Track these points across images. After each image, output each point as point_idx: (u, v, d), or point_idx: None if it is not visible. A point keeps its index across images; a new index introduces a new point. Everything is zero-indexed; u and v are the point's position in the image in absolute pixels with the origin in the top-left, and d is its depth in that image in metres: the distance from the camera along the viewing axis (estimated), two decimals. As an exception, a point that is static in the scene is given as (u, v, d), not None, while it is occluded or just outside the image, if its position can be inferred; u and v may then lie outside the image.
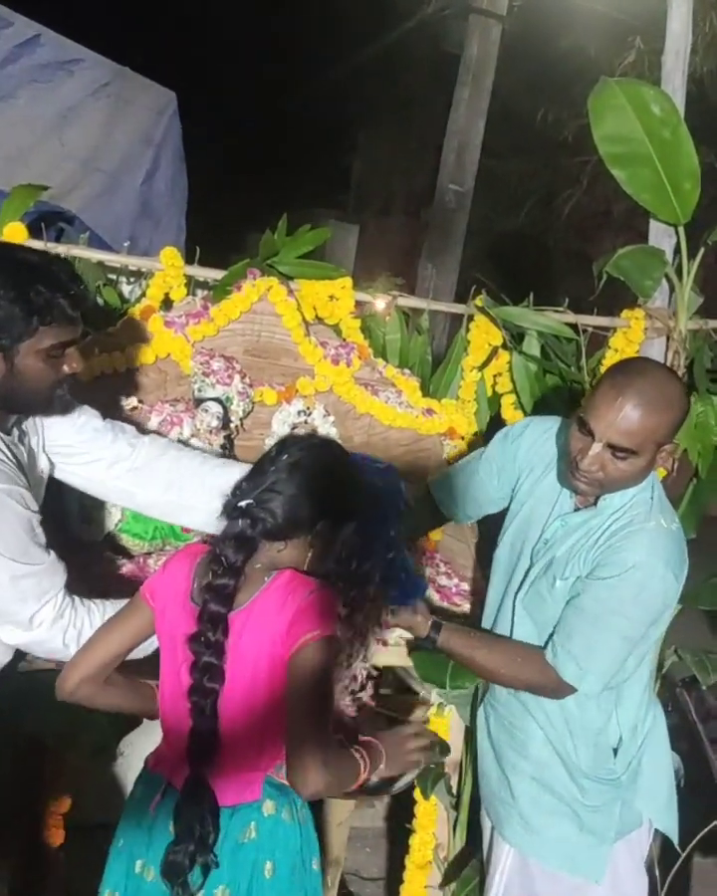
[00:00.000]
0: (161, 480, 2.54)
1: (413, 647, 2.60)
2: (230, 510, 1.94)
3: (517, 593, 2.44)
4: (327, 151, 14.17)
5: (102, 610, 2.20)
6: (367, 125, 14.55)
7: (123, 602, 2.19)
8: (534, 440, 2.54)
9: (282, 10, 11.14)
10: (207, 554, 1.96)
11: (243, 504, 1.91)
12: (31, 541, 2.12)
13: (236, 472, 2.35)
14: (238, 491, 1.95)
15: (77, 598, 2.20)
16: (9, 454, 2.15)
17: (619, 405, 2.12)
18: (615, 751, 2.40)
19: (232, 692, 1.88)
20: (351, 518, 1.99)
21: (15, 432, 2.25)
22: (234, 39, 11.31)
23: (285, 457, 1.94)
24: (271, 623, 1.86)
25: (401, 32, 10.36)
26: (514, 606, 2.45)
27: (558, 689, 2.28)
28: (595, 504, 2.33)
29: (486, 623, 2.59)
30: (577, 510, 2.38)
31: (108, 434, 2.53)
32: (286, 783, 1.89)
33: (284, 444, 2.00)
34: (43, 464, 2.41)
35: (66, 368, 2.16)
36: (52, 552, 2.17)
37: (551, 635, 2.32)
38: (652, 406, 2.12)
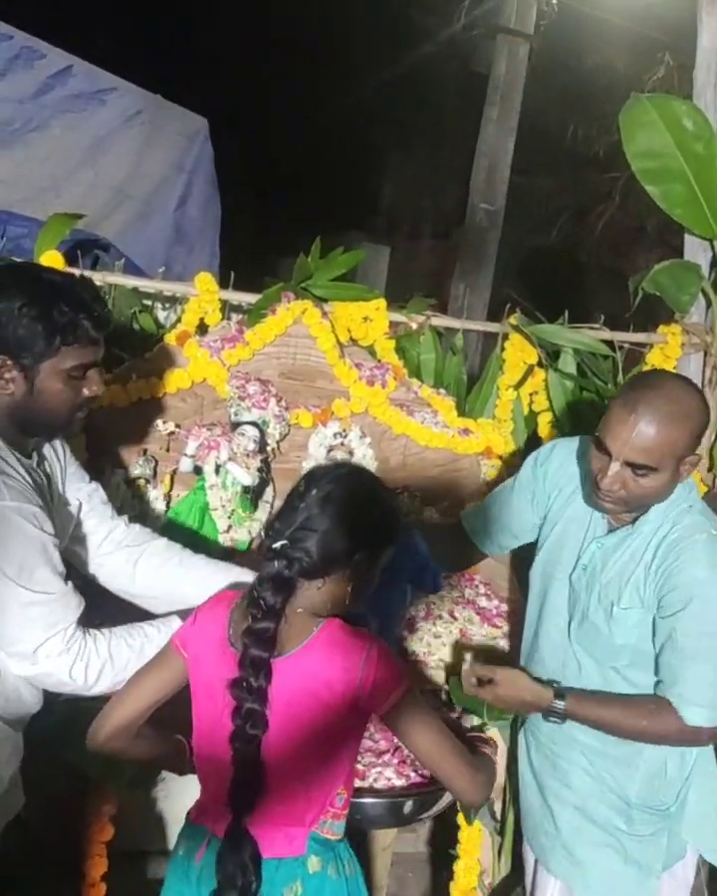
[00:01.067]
0: (161, 570, 2.43)
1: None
2: (265, 551, 1.88)
3: (570, 630, 2.38)
4: (357, 174, 14.22)
5: (107, 641, 2.11)
6: (397, 147, 14.60)
7: (136, 628, 2.16)
8: (562, 461, 2.49)
9: (310, 33, 11.22)
10: (243, 598, 1.91)
11: (277, 545, 1.84)
12: (44, 564, 2.01)
13: (235, 575, 2.39)
14: (271, 531, 1.88)
15: (89, 631, 2.09)
16: (25, 474, 2.05)
17: (633, 423, 2.07)
18: (665, 780, 2.35)
19: (276, 740, 1.82)
20: (387, 545, 1.96)
21: (34, 456, 2.17)
22: (263, 63, 11.40)
23: (314, 492, 1.87)
24: (323, 676, 1.81)
25: (429, 53, 10.40)
26: (571, 644, 2.37)
27: (695, 736, 2.21)
28: (632, 523, 2.28)
29: (524, 645, 2.56)
30: (611, 530, 2.33)
31: (109, 509, 2.46)
32: (332, 837, 1.88)
33: (312, 477, 1.92)
34: (70, 496, 2.31)
35: (86, 391, 2.08)
36: (69, 582, 2.07)
37: (657, 682, 2.25)
38: (667, 420, 2.07)
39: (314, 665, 1.82)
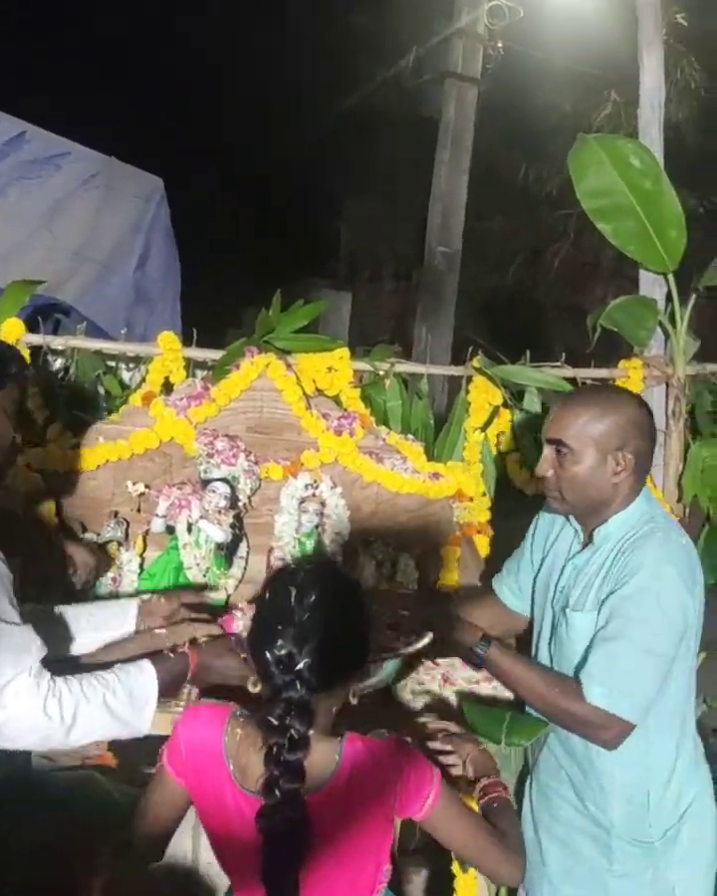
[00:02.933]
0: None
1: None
2: (270, 676, 1.74)
3: (550, 650, 2.42)
4: (314, 220, 14.34)
5: (77, 680, 2.03)
6: (352, 192, 14.75)
7: (107, 677, 2.08)
8: (551, 514, 2.57)
9: (262, 85, 11.36)
10: (241, 723, 1.81)
11: (292, 671, 1.71)
12: (4, 596, 1.97)
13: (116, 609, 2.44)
14: (274, 650, 1.72)
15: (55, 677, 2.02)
16: None
17: (561, 407, 2.35)
18: (648, 809, 2.32)
19: (313, 864, 1.75)
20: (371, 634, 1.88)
21: None
22: (216, 116, 11.53)
23: (303, 602, 1.73)
24: (356, 798, 1.76)
25: (379, 99, 10.57)
26: (551, 664, 2.41)
27: (599, 725, 2.18)
28: (591, 541, 2.35)
29: None
30: (582, 550, 2.39)
31: None
32: None
33: (293, 585, 1.76)
34: None
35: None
36: (29, 623, 2.03)
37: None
38: (588, 406, 2.29)
39: (348, 792, 1.76)
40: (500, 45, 8.25)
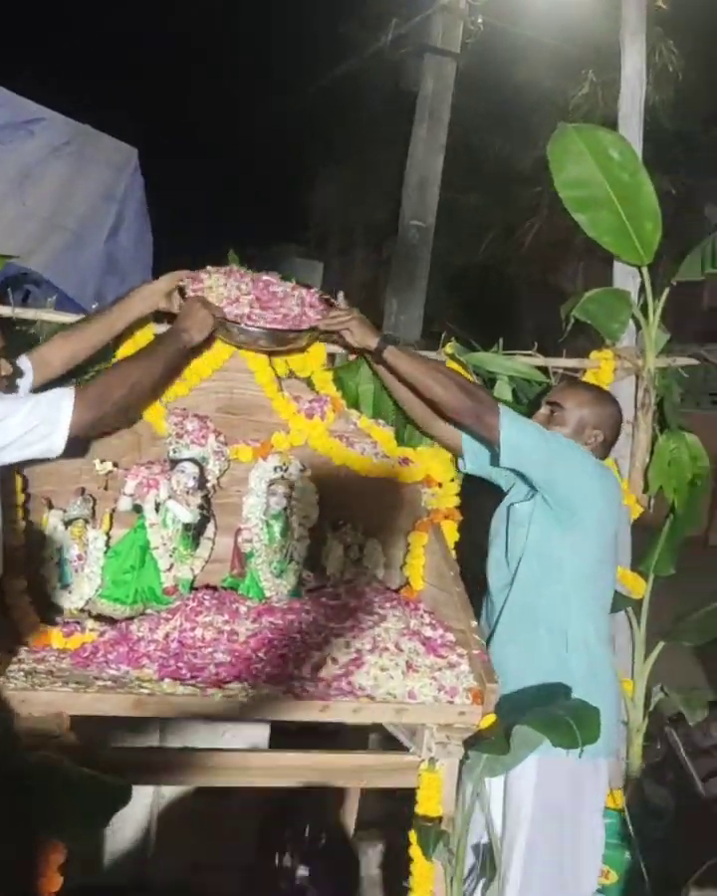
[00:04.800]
0: None
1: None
2: None
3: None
4: (288, 188, 14.26)
5: None
6: (326, 162, 14.67)
7: None
8: None
9: (239, 49, 11.23)
10: None
11: None
12: None
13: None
14: None
15: None
16: None
17: (569, 383, 3.15)
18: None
19: None
20: None
21: None
22: (191, 81, 11.39)
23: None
24: None
25: (358, 70, 10.48)
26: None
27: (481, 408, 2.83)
28: None
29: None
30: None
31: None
32: None
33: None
34: None
35: None
36: None
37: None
38: (589, 391, 3.05)
39: None
40: (480, 20, 8.18)
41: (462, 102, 8.79)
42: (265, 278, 3.07)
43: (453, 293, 11.18)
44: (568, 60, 9.13)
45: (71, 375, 2.89)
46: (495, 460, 2.92)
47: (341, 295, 3.15)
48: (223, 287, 2.99)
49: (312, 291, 3.14)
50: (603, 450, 2.98)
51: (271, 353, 3.12)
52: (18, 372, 2.73)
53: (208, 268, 3.04)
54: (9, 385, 2.67)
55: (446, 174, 8.69)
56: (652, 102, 8.44)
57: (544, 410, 2.97)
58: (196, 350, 3.02)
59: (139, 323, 3.04)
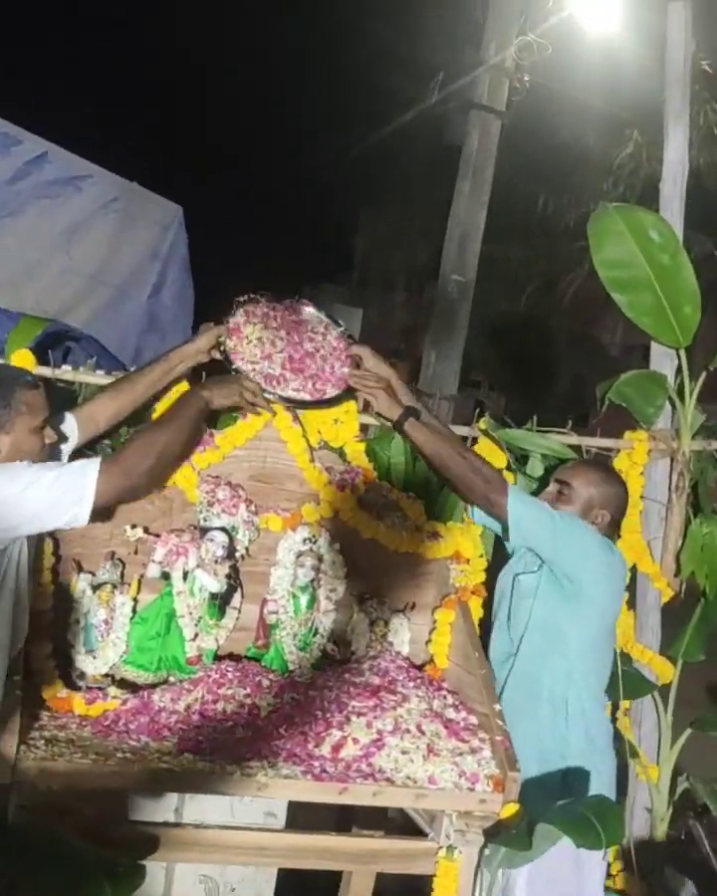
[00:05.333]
0: None
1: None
2: None
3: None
4: (331, 233, 14.40)
5: None
6: (370, 207, 14.82)
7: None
8: None
9: (290, 98, 11.40)
10: None
11: None
12: None
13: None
14: None
15: None
16: None
17: (578, 462, 3.19)
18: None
19: None
20: None
21: None
22: (238, 132, 11.57)
23: None
24: None
25: (404, 122, 10.57)
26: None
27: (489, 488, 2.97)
28: None
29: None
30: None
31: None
32: None
33: None
34: None
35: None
36: None
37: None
38: (598, 470, 3.12)
39: None
40: (527, 79, 8.24)
41: (507, 157, 8.85)
42: (296, 317, 3.26)
43: (493, 343, 11.21)
44: (612, 118, 9.17)
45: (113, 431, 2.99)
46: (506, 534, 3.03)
47: (366, 352, 3.22)
48: (257, 340, 3.10)
49: (340, 337, 3.29)
50: (610, 529, 3.06)
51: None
52: (62, 438, 2.77)
53: (242, 307, 3.17)
54: (52, 452, 2.70)
55: (489, 227, 8.73)
56: (696, 164, 8.46)
57: (552, 488, 3.06)
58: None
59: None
